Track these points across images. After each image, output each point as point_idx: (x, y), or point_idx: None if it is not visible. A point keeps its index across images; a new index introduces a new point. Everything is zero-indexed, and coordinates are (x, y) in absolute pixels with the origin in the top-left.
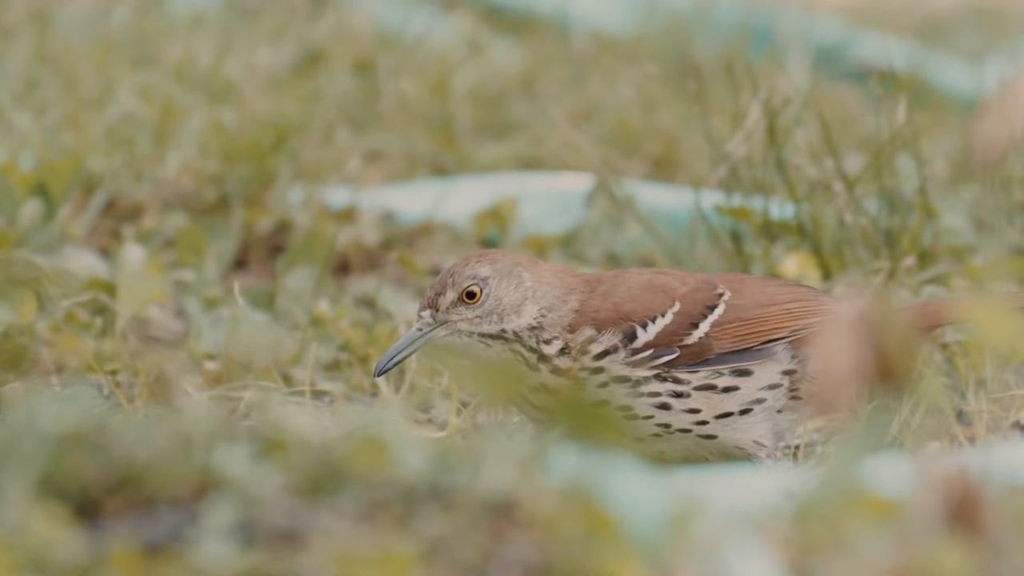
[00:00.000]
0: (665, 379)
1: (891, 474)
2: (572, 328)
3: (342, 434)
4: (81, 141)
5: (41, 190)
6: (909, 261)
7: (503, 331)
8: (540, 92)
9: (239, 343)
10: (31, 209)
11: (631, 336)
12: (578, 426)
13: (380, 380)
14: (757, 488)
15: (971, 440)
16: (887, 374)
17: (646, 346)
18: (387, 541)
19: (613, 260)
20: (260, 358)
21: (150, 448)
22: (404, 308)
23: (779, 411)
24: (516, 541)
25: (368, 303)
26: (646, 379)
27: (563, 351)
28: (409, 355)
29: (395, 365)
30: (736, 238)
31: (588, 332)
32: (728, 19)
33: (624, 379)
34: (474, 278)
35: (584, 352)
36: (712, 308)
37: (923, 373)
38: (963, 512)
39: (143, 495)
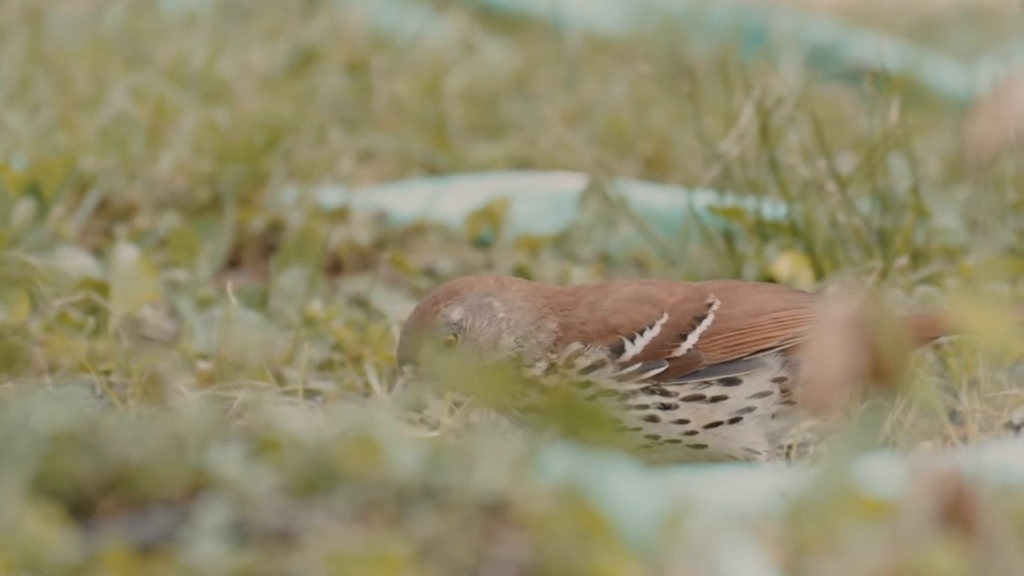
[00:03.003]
0: (653, 391)
1: (884, 474)
2: (557, 345)
3: (335, 434)
4: (74, 141)
5: (34, 190)
6: (902, 261)
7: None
8: (533, 92)
9: (232, 343)
10: (24, 209)
11: (619, 350)
12: (571, 426)
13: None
14: (750, 488)
15: (964, 440)
16: (880, 374)
17: (634, 359)
18: (380, 541)
19: (606, 260)
20: (253, 358)
21: (143, 448)
22: (397, 308)
23: (772, 416)
24: (509, 541)
25: (361, 303)
26: (633, 392)
27: (549, 370)
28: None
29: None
30: (729, 238)
31: (575, 346)
32: (721, 19)
33: (611, 392)
34: (448, 325)
35: (571, 366)
36: (701, 319)
37: (916, 373)
38: (956, 512)
39: (136, 495)
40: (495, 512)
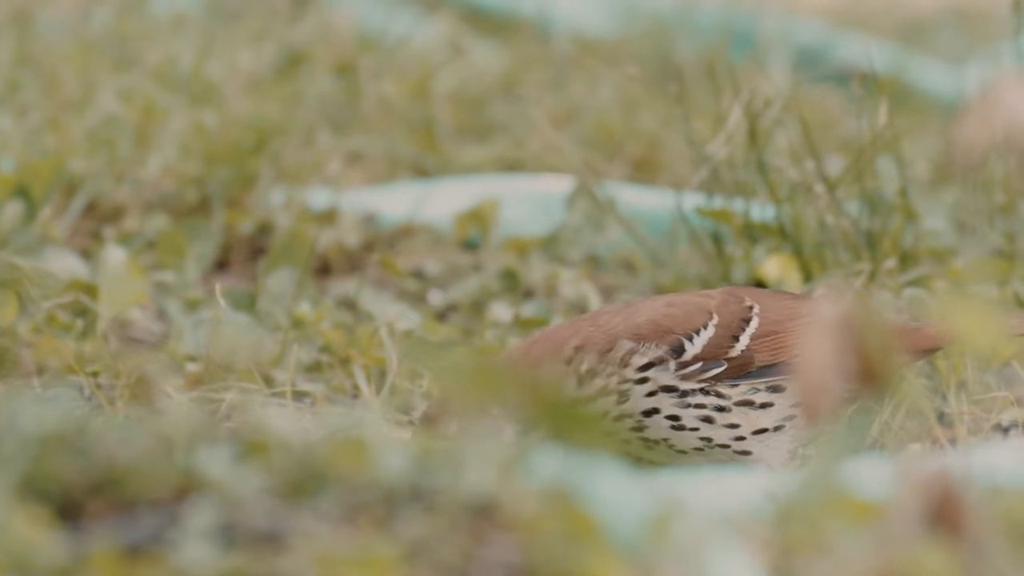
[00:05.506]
0: (709, 392)
1: (872, 476)
2: (604, 352)
3: (323, 436)
4: (62, 143)
5: (22, 192)
6: (890, 263)
7: None
8: (522, 94)
9: (220, 345)
10: (12, 211)
11: (679, 349)
12: (559, 427)
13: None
14: (738, 490)
15: (952, 442)
16: (869, 376)
17: (695, 359)
18: (368, 543)
19: (594, 262)
20: (241, 360)
21: (131, 450)
22: (385, 310)
23: (801, 429)
24: (498, 543)
25: (349, 305)
26: (692, 391)
27: (591, 373)
28: None
29: None
30: (717, 240)
31: (627, 345)
32: (710, 21)
33: (672, 388)
34: None
35: (626, 364)
36: (747, 321)
37: (904, 375)
38: (944, 514)
39: (124, 497)
40: (483, 514)
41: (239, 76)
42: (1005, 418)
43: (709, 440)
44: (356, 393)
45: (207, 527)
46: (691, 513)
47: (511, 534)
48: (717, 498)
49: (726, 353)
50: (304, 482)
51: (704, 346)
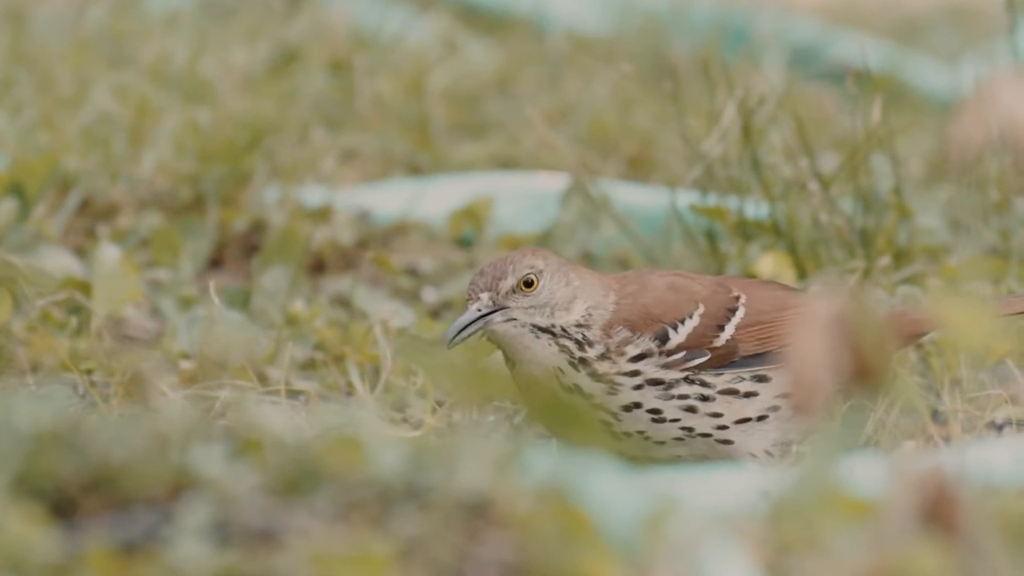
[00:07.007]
0: (692, 382)
1: (866, 474)
2: (608, 328)
3: (317, 433)
4: (56, 140)
5: (16, 189)
6: (884, 261)
7: (553, 325)
8: (516, 92)
9: (214, 342)
10: (6, 208)
11: (663, 338)
12: (555, 425)
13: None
14: (733, 488)
15: (946, 440)
16: (863, 373)
17: (678, 348)
18: (363, 541)
19: (589, 259)
20: (235, 357)
21: (126, 447)
22: (379, 307)
23: (787, 420)
24: (492, 541)
25: (343, 302)
26: (676, 381)
27: (603, 356)
28: (472, 334)
29: (462, 340)
30: (711, 237)
31: (624, 333)
32: (704, 19)
33: (658, 382)
34: (532, 268)
35: (622, 353)
36: (733, 311)
37: (898, 373)
38: (938, 512)
39: (119, 494)
40: (478, 512)
41: (233, 74)
42: (999, 416)
43: (690, 430)
44: (350, 391)
45: (201, 525)
46: (686, 511)
47: (506, 532)
48: (712, 496)
49: (710, 343)
50: (298, 480)
51: (688, 335)
